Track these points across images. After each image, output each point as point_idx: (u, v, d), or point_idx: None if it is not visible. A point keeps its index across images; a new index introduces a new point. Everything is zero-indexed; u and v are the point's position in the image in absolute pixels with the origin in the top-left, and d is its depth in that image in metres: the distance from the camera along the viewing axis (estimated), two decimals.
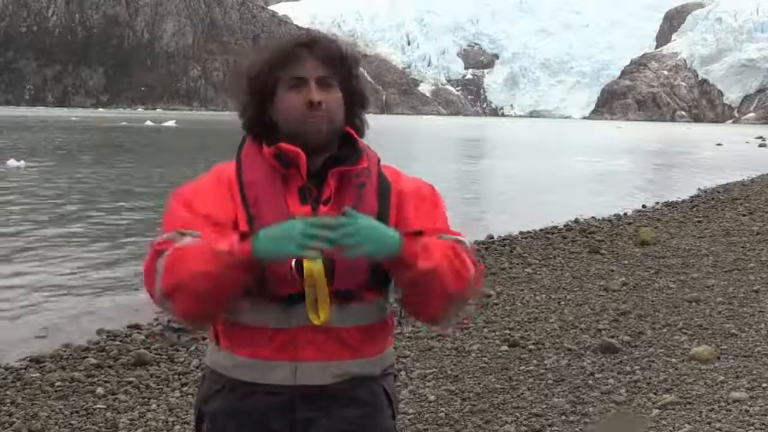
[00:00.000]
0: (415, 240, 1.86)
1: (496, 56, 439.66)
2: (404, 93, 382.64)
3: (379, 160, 2.06)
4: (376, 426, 2.02)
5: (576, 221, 15.48)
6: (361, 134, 2.04)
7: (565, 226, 14.87)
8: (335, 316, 1.89)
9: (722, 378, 5.65)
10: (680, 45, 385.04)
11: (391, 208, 1.99)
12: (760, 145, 63.00)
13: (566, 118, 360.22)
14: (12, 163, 27.15)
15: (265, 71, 1.98)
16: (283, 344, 1.92)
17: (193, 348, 6.82)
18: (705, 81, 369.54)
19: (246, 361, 1.95)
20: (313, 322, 1.87)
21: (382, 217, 1.95)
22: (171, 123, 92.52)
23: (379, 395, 2.03)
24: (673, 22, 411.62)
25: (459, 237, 1.99)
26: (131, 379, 6.01)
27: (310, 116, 1.93)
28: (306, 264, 1.83)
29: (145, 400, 5.56)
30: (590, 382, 5.67)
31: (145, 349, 6.82)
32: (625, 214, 17.04)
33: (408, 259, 1.83)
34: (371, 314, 1.99)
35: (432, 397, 5.41)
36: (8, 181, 22.89)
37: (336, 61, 1.99)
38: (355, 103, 2.03)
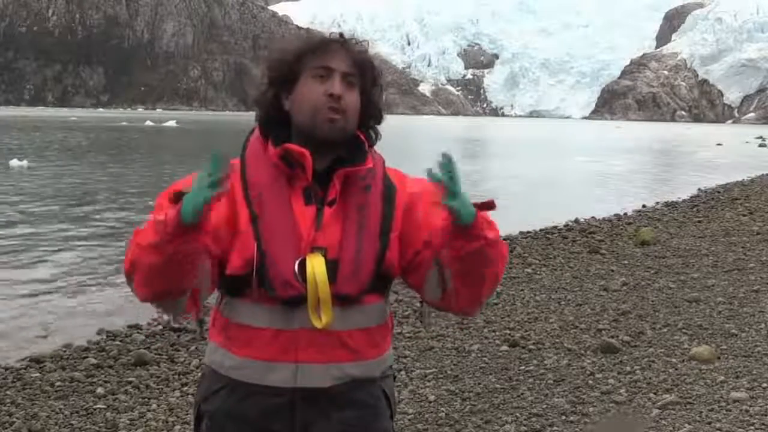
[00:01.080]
0: (480, 212, 1.86)
1: (496, 56, 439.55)
2: (404, 93, 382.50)
3: (384, 163, 2.06)
4: (375, 428, 2.02)
5: (576, 221, 15.48)
6: (372, 144, 2.04)
7: (565, 226, 14.87)
8: (337, 318, 1.89)
9: (722, 378, 5.65)
10: (680, 45, 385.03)
11: (396, 210, 1.98)
12: (760, 145, 62.96)
13: (566, 118, 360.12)
14: (15, 162, 27.43)
15: (293, 56, 1.98)
16: (284, 346, 1.91)
17: (193, 348, 6.82)
18: (705, 81, 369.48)
19: (246, 361, 1.94)
20: (315, 324, 1.86)
21: (386, 219, 1.95)
22: (172, 123, 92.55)
23: (379, 397, 2.03)
24: (673, 22, 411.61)
25: None
26: (131, 379, 6.01)
27: (328, 107, 1.92)
28: (308, 267, 1.83)
29: (145, 400, 5.56)
30: (590, 382, 5.67)
31: (145, 349, 6.82)
32: (625, 214, 17.04)
33: (480, 226, 1.83)
34: (372, 317, 1.98)
35: (432, 397, 5.40)
36: (11, 181, 22.99)
37: (364, 64, 2.00)
38: (370, 113, 2.03)
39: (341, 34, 2.03)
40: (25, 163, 27.54)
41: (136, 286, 1.87)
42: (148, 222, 1.82)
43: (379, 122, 2.06)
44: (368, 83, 2.01)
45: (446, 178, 1.76)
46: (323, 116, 1.93)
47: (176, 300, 1.89)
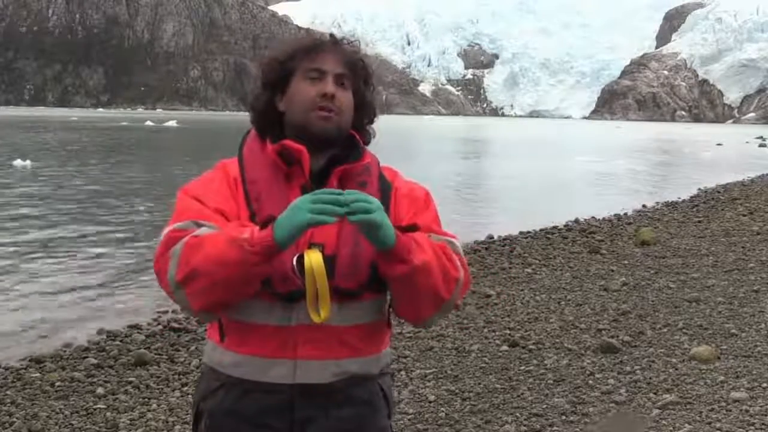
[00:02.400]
0: (409, 235, 1.86)
1: (496, 56, 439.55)
2: (404, 93, 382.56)
3: (378, 162, 2.08)
4: (373, 425, 2.02)
5: (576, 221, 15.48)
6: (366, 142, 2.07)
7: (565, 226, 14.87)
8: (335, 314, 1.89)
9: (722, 378, 5.65)
10: (680, 45, 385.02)
11: (391, 206, 2.01)
12: (760, 145, 62.99)
13: (566, 118, 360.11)
14: (18, 162, 27.69)
15: (285, 58, 2.01)
16: (282, 342, 1.91)
17: (193, 348, 6.82)
18: (705, 81, 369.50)
19: (245, 358, 1.94)
20: (313, 320, 1.86)
21: None
22: (172, 123, 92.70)
23: (377, 394, 2.04)
24: (673, 22, 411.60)
25: (450, 239, 1.99)
26: (131, 379, 6.01)
27: (321, 107, 1.95)
28: (306, 261, 1.83)
29: (146, 400, 5.56)
30: (590, 382, 5.67)
31: (145, 349, 6.82)
32: (625, 214, 17.05)
33: (401, 252, 1.83)
34: (371, 313, 1.99)
35: (432, 397, 5.40)
36: (15, 181, 23.07)
37: (356, 65, 2.03)
38: (364, 112, 2.06)
39: (332, 35, 2.06)
40: (28, 163, 27.75)
41: (190, 295, 1.83)
42: (216, 235, 1.80)
43: (372, 121, 2.09)
44: (360, 83, 2.04)
45: (357, 202, 1.77)
46: (317, 114, 1.95)
47: (227, 309, 1.90)
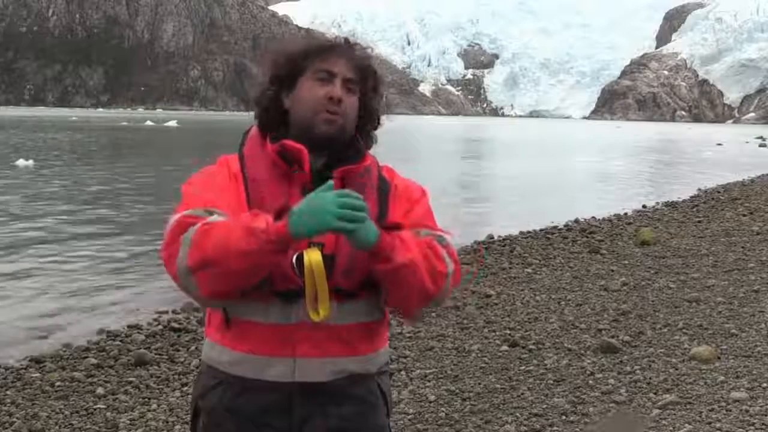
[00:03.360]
0: (393, 234, 1.87)
1: (496, 56, 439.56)
2: (404, 93, 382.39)
3: (377, 162, 2.08)
4: (372, 424, 2.03)
5: (576, 221, 15.48)
6: (368, 146, 2.07)
7: (565, 226, 14.87)
8: (334, 313, 1.89)
9: (722, 378, 5.65)
10: (680, 45, 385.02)
11: (389, 204, 2.02)
12: (761, 145, 62.99)
13: (566, 118, 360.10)
14: (21, 162, 27.82)
15: (298, 55, 2.00)
16: (281, 340, 1.92)
17: (193, 348, 6.82)
18: (705, 81, 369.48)
19: (244, 356, 1.95)
20: (312, 319, 1.87)
21: (381, 216, 1.97)
22: (173, 123, 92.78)
23: (375, 393, 2.04)
24: (673, 22, 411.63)
25: (441, 233, 2.00)
26: (131, 379, 6.01)
27: (327, 109, 1.95)
28: (306, 260, 1.84)
29: (146, 400, 5.56)
30: (590, 382, 5.66)
31: (145, 349, 6.82)
32: (625, 214, 17.04)
33: (384, 251, 1.83)
34: (369, 312, 1.99)
35: (432, 397, 5.40)
36: (18, 180, 23.12)
37: (366, 71, 2.03)
38: (368, 119, 2.06)
39: (347, 39, 2.06)
40: (30, 162, 27.90)
41: (201, 281, 1.82)
42: (229, 224, 1.79)
43: (375, 128, 2.10)
44: (369, 90, 2.04)
45: (352, 211, 1.77)
46: (322, 116, 1.96)
47: (237, 296, 1.88)
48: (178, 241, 1.83)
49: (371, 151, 2.09)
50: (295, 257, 1.87)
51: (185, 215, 1.86)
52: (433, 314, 7.38)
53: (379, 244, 1.82)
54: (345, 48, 2.02)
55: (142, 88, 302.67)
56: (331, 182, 1.80)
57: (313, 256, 1.83)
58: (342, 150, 2.00)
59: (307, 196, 1.80)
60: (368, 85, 2.04)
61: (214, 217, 1.84)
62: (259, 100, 2.05)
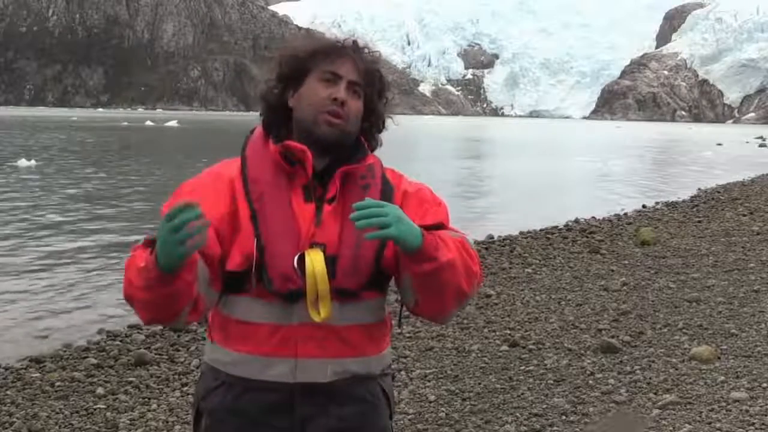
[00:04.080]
0: (434, 233, 1.87)
1: (496, 56, 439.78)
2: (404, 93, 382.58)
3: (381, 164, 2.08)
4: (374, 425, 2.03)
5: (576, 221, 15.47)
6: (372, 148, 2.07)
7: (565, 226, 14.87)
8: (336, 314, 1.89)
9: (722, 378, 5.65)
10: (680, 45, 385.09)
11: None
12: (760, 145, 63.00)
13: (566, 118, 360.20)
14: (23, 162, 27.87)
15: (305, 55, 2.00)
16: (283, 341, 1.91)
17: (193, 348, 6.82)
18: (705, 81, 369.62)
19: (245, 357, 1.94)
20: (313, 318, 1.86)
21: None
22: (173, 123, 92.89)
23: (378, 394, 2.04)
24: (673, 22, 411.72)
25: (464, 235, 2.00)
26: (131, 379, 6.01)
27: (330, 111, 1.95)
28: (308, 261, 1.84)
29: (146, 400, 5.56)
30: (590, 382, 5.66)
31: (145, 349, 6.81)
32: (625, 214, 17.04)
33: (429, 250, 1.83)
34: (371, 313, 1.99)
35: (432, 397, 5.40)
36: (21, 180, 23.14)
37: (372, 75, 2.03)
38: (372, 122, 2.06)
39: (355, 41, 2.05)
40: (33, 162, 27.94)
41: (136, 310, 1.88)
42: (134, 259, 1.80)
43: (380, 131, 2.09)
44: (374, 94, 2.04)
45: (368, 219, 1.75)
46: (324, 118, 1.95)
47: (176, 320, 1.90)
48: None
49: (376, 153, 2.09)
50: (296, 258, 1.87)
51: (141, 243, 1.86)
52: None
53: (425, 244, 1.82)
54: (353, 51, 2.02)
55: (142, 88, 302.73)
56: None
57: (315, 257, 1.83)
58: (345, 152, 1.99)
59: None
60: (374, 89, 2.03)
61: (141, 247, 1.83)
62: (265, 97, 2.05)
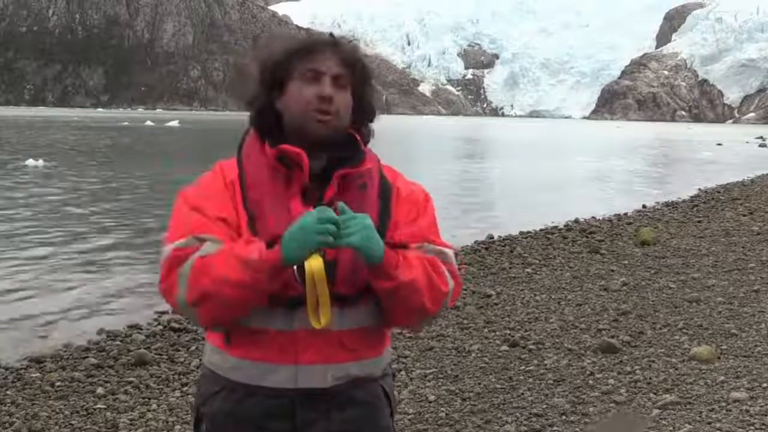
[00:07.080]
0: (398, 251, 1.87)
1: (496, 56, 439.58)
2: (404, 93, 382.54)
3: (378, 161, 2.06)
4: (375, 426, 2.02)
5: (576, 221, 15.47)
6: (366, 141, 2.05)
7: (565, 226, 14.86)
8: (335, 319, 1.88)
9: (722, 378, 5.65)
10: (680, 45, 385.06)
11: (392, 207, 2.00)
12: (761, 145, 62.98)
13: (566, 118, 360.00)
14: (31, 162, 27.94)
15: (283, 58, 1.98)
16: (284, 347, 1.91)
17: (193, 348, 6.82)
18: (705, 81, 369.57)
19: (246, 363, 1.94)
20: (314, 325, 1.86)
21: (383, 217, 1.95)
22: (174, 123, 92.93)
23: (379, 395, 2.04)
24: (673, 22, 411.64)
25: (444, 249, 1.99)
26: (131, 379, 6.01)
27: (318, 109, 1.93)
28: (307, 267, 1.83)
29: (146, 400, 5.56)
30: (590, 382, 5.66)
31: (145, 349, 6.81)
32: (625, 214, 17.04)
33: (388, 269, 1.84)
34: (371, 317, 1.98)
35: (432, 397, 5.40)
36: (28, 180, 23.15)
37: (354, 64, 2.00)
38: (363, 112, 2.03)
39: (331, 34, 2.03)
40: (40, 162, 27.99)
41: (203, 314, 1.86)
42: (224, 256, 1.82)
43: (371, 120, 2.07)
44: (359, 82, 2.01)
45: (333, 228, 1.80)
46: (313, 117, 1.93)
47: (236, 322, 1.91)
48: (174, 275, 1.85)
49: (371, 146, 2.07)
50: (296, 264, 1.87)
51: (177, 248, 1.86)
52: None
53: (384, 261, 1.84)
54: (329, 44, 1.99)
55: (142, 88, 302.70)
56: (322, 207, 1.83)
57: (314, 263, 1.83)
58: (340, 149, 1.97)
59: (293, 225, 1.82)
60: (359, 78, 2.00)
61: (206, 247, 1.84)
62: (252, 104, 2.02)
